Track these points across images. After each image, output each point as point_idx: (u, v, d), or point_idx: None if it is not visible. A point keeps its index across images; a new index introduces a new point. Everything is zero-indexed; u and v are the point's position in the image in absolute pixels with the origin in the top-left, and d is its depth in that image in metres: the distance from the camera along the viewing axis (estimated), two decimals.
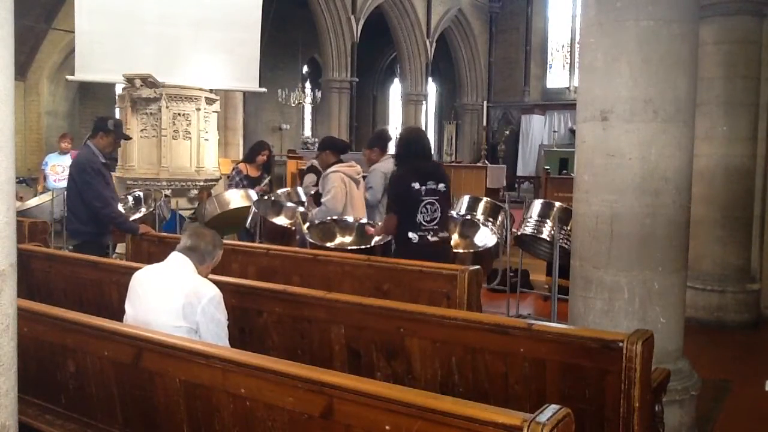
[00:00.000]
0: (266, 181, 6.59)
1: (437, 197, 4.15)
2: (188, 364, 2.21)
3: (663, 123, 3.22)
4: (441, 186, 4.17)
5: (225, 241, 4.44)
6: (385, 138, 5.55)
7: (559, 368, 2.43)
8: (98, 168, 4.77)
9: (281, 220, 5.66)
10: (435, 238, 4.14)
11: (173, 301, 2.66)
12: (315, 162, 6.63)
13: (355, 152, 8.26)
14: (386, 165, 5.07)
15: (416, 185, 4.13)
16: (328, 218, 5.03)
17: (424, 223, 4.12)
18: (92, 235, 4.80)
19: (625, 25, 3.22)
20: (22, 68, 15.18)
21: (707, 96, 5.66)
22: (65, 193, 5.17)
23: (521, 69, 22.30)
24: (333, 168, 5.17)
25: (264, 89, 9.16)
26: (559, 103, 21.48)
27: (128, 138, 5.50)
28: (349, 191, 5.13)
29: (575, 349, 2.39)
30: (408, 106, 20.89)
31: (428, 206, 4.13)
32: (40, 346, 2.73)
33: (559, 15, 22.27)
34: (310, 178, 6.39)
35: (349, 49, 18.03)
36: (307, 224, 5.00)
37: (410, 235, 4.13)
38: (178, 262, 2.81)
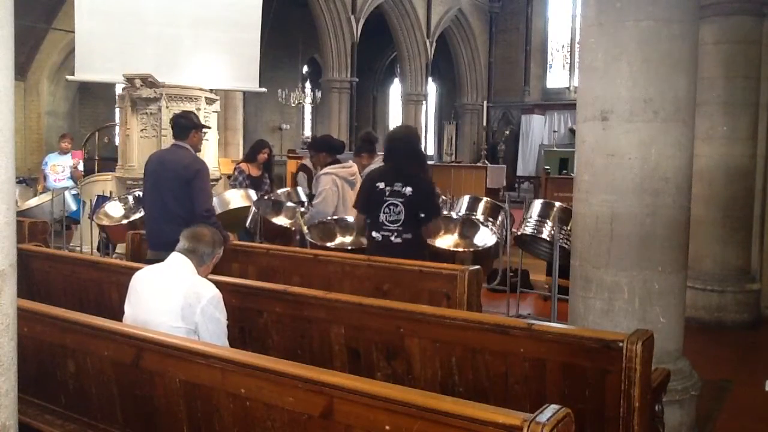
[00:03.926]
0: (267, 185, 6.58)
1: (402, 200, 4.09)
2: (188, 364, 2.21)
3: (663, 123, 3.22)
4: (407, 189, 4.10)
5: None
6: (370, 141, 5.54)
7: (559, 368, 2.43)
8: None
9: (281, 220, 5.65)
10: (398, 240, 4.11)
11: (172, 301, 2.66)
12: (306, 161, 6.67)
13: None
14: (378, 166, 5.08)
15: (381, 185, 4.16)
16: (328, 218, 5.03)
17: (386, 223, 4.12)
18: None
19: (625, 25, 3.22)
20: (22, 68, 15.17)
21: (707, 96, 5.66)
22: (144, 198, 4.72)
23: (521, 69, 22.30)
24: (326, 169, 5.16)
25: (264, 89, 9.17)
26: (559, 103, 21.47)
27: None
28: (342, 193, 5.10)
29: (575, 349, 2.39)
30: (408, 106, 20.89)
31: (391, 207, 4.11)
32: (40, 346, 2.73)
33: (559, 15, 22.26)
34: (301, 177, 6.41)
35: (349, 49, 18.03)
36: (309, 224, 5.00)
37: (374, 234, 4.18)
38: (177, 263, 2.81)
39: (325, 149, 5.39)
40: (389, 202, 4.13)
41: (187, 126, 4.46)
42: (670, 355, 3.32)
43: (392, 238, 4.12)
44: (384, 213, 4.13)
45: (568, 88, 21.49)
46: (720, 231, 5.88)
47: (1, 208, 1.46)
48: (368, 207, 4.24)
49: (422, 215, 4.14)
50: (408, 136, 4.52)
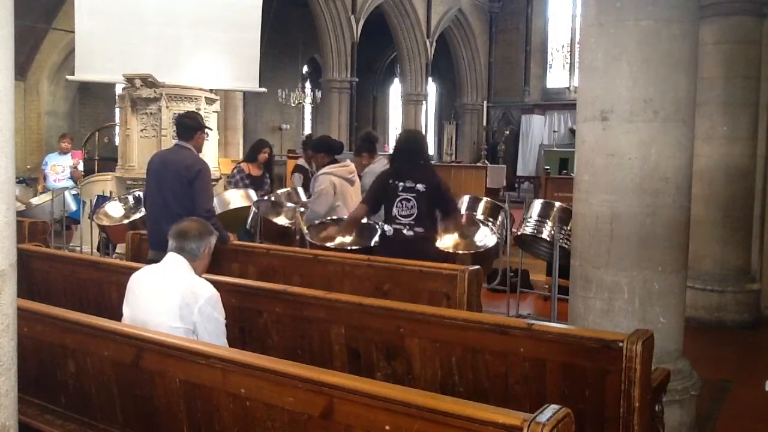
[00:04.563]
0: (268, 185, 6.59)
1: (414, 195, 4.27)
2: (188, 364, 2.21)
3: (663, 123, 3.22)
4: (420, 186, 4.27)
5: None
6: (370, 141, 5.56)
7: (559, 368, 2.43)
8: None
9: (281, 220, 5.65)
10: (410, 233, 4.25)
11: (170, 302, 2.66)
12: (301, 161, 6.71)
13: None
14: (379, 166, 5.08)
15: (393, 181, 4.33)
16: (328, 219, 5.03)
17: (399, 216, 4.28)
18: None
19: (625, 25, 3.22)
20: (22, 68, 15.17)
21: (707, 96, 5.66)
22: (145, 199, 4.69)
23: (521, 69, 22.31)
24: (324, 170, 5.16)
25: (264, 89, 9.18)
26: (559, 103, 21.49)
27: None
28: (342, 192, 5.10)
29: (575, 349, 2.39)
30: (408, 106, 20.90)
31: (404, 201, 4.27)
32: (40, 346, 2.73)
33: (559, 15, 22.27)
34: (296, 178, 6.42)
35: (349, 49, 18.04)
36: (307, 224, 5.00)
37: (386, 227, 4.33)
38: (174, 263, 2.80)
39: (323, 149, 5.40)
40: (402, 197, 4.28)
41: (193, 127, 4.47)
42: (670, 355, 3.32)
43: (404, 231, 4.26)
44: (397, 207, 4.29)
45: (568, 88, 21.50)
46: (720, 231, 5.88)
47: (1, 208, 1.46)
48: (379, 202, 4.41)
49: (440, 210, 4.36)
50: (417, 139, 4.78)
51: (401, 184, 4.30)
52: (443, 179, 4.61)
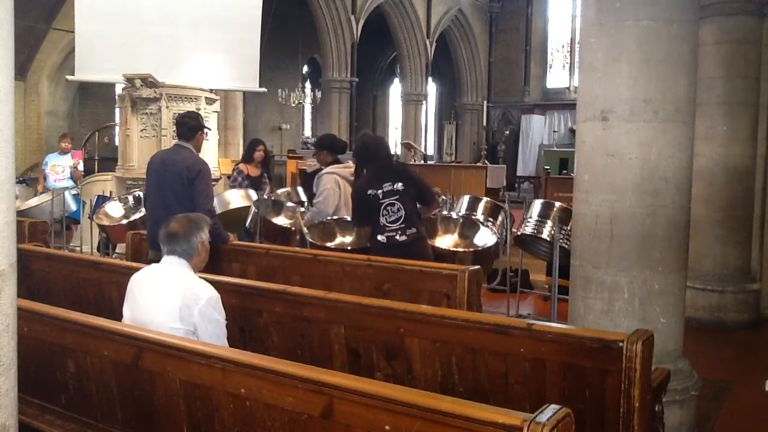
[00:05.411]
0: (267, 185, 6.58)
1: (397, 197, 4.20)
2: (188, 364, 2.21)
3: (663, 123, 3.22)
4: (398, 185, 4.21)
5: None
6: None
7: (559, 368, 2.43)
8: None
9: (281, 220, 5.65)
10: (403, 237, 4.19)
11: (170, 302, 2.66)
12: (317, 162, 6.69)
13: None
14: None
15: (372, 191, 4.23)
16: (328, 218, 5.03)
17: (388, 224, 4.20)
18: None
19: (625, 25, 3.22)
20: (22, 68, 15.19)
21: (707, 96, 5.66)
22: (146, 198, 4.69)
23: (521, 69, 22.32)
24: (327, 169, 5.17)
25: (264, 89, 9.18)
26: (559, 103, 21.50)
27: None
28: (343, 192, 5.11)
29: (575, 349, 2.39)
30: (408, 106, 20.91)
31: (389, 207, 4.20)
32: (40, 346, 2.73)
33: (559, 15, 22.28)
34: None
35: (349, 49, 18.04)
36: (312, 223, 5.01)
37: (379, 237, 4.24)
38: (173, 264, 2.80)
39: (326, 148, 5.40)
40: (386, 203, 4.20)
41: (195, 127, 4.49)
42: (670, 355, 3.32)
43: (397, 237, 4.19)
44: (383, 216, 4.20)
45: (568, 88, 21.51)
46: (720, 231, 5.88)
47: (1, 208, 1.46)
48: (368, 216, 4.30)
49: (419, 202, 4.29)
50: (377, 140, 4.78)
51: (380, 191, 4.21)
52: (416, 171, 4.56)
